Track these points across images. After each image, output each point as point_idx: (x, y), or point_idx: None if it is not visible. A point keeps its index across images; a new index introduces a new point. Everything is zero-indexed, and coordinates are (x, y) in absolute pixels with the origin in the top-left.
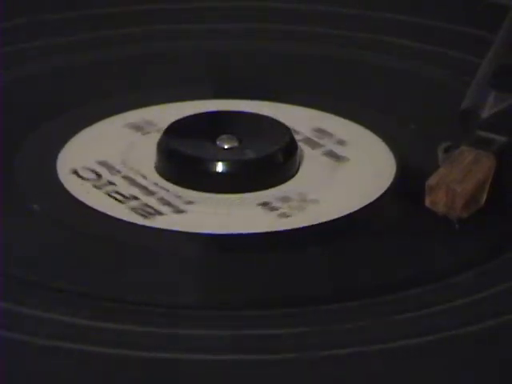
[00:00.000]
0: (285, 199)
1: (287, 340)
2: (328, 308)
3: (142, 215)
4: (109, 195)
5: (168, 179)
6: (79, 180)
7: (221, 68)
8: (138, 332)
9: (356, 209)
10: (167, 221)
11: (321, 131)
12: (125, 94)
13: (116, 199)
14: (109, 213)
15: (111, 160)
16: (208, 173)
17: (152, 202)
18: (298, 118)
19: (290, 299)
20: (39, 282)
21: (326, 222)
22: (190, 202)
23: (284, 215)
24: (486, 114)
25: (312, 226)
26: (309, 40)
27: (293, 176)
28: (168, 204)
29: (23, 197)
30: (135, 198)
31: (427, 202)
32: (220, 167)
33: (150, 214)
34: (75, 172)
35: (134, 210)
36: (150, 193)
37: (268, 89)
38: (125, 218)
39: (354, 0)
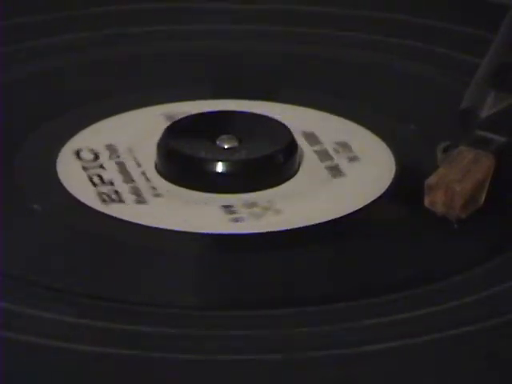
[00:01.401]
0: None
1: (287, 340)
2: (328, 308)
3: (103, 200)
4: (90, 178)
5: (167, 179)
6: (76, 161)
7: (221, 68)
8: (138, 332)
9: (356, 209)
10: (122, 210)
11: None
12: (125, 94)
13: (93, 182)
14: (76, 195)
15: (118, 144)
16: (208, 173)
17: (124, 189)
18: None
19: (290, 299)
20: (39, 282)
21: (325, 222)
22: (158, 195)
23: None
24: (485, 113)
25: (312, 225)
26: (309, 40)
27: (293, 176)
28: (136, 194)
29: (23, 197)
30: (111, 183)
31: (426, 202)
32: (220, 167)
33: (112, 200)
34: (77, 152)
35: (99, 194)
36: (130, 181)
37: (268, 89)
38: (85, 201)
39: (353, 0)
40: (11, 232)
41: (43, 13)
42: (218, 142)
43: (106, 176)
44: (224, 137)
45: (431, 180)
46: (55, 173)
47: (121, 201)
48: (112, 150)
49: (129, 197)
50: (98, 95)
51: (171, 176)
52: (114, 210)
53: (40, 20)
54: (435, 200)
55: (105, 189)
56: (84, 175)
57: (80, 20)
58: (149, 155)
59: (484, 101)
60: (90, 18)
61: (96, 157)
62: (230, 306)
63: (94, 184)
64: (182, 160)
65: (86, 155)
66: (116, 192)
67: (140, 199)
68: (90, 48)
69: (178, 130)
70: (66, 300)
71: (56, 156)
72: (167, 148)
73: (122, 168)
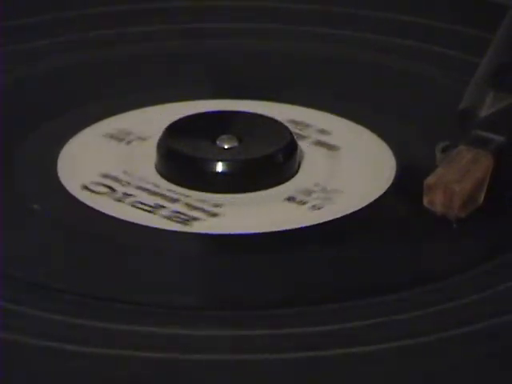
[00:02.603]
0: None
1: (287, 340)
2: (328, 308)
3: (180, 222)
4: (134, 206)
5: (168, 179)
6: (93, 195)
7: (221, 68)
8: (139, 332)
9: (356, 209)
10: (205, 225)
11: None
12: (125, 94)
13: (144, 210)
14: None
15: (114, 172)
16: (208, 173)
17: (178, 207)
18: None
19: (290, 299)
20: (39, 282)
21: (326, 222)
22: (217, 205)
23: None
24: (484, 113)
25: (312, 225)
26: (308, 40)
27: (293, 176)
28: (197, 209)
29: (23, 197)
30: (161, 206)
31: (425, 202)
32: (220, 167)
33: (187, 220)
34: (85, 187)
35: (167, 217)
36: (172, 200)
37: (268, 89)
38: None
39: (354, 0)
40: (11, 232)
41: (43, 13)
42: (217, 142)
43: (146, 201)
44: (224, 137)
45: (430, 180)
46: (55, 173)
47: (194, 218)
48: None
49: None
50: (98, 95)
51: (171, 176)
52: (196, 228)
53: (40, 20)
54: (434, 200)
55: (165, 212)
56: (125, 205)
57: (80, 20)
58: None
59: (483, 101)
60: (89, 18)
61: (111, 189)
62: (230, 306)
63: (147, 211)
64: (181, 160)
65: (99, 188)
66: (177, 212)
67: (207, 213)
68: (90, 48)
69: (177, 130)
70: (66, 300)
71: (56, 156)
72: (167, 148)
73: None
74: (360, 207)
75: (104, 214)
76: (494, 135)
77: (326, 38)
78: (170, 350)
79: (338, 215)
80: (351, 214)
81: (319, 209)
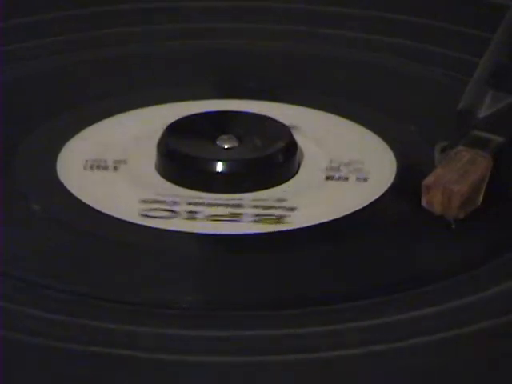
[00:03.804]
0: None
1: (287, 340)
2: (328, 308)
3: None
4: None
5: (168, 179)
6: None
7: (221, 68)
8: (139, 332)
9: (356, 209)
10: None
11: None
12: (125, 94)
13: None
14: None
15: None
16: (208, 173)
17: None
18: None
19: (290, 299)
20: (39, 282)
21: (326, 222)
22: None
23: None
24: (482, 114)
25: (312, 225)
26: (309, 40)
27: (293, 176)
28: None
29: (23, 197)
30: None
31: (424, 202)
32: (220, 167)
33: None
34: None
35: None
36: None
37: (268, 89)
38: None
39: (353, 0)
40: (11, 232)
41: (43, 13)
42: (217, 142)
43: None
44: (224, 137)
45: (429, 180)
46: (55, 173)
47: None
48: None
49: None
50: (98, 95)
51: (171, 176)
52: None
53: (40, 20)
54: (433, 200)
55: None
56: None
57: (79, 20)
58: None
59: (482, 101)
60: (89, 17)
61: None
62: (229, 306)
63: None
64: (182, 160)
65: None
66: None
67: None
68: (90, 48)
69: (178, 129)
70: (66, 300)
71: (56, 156)
72: (167, 148)
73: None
74: (360, 207)
75: (104, 214)
76: (493, 136)
77: (325, 38)
78: (170, 350)
79: (338, 215)
80: (351, 214)
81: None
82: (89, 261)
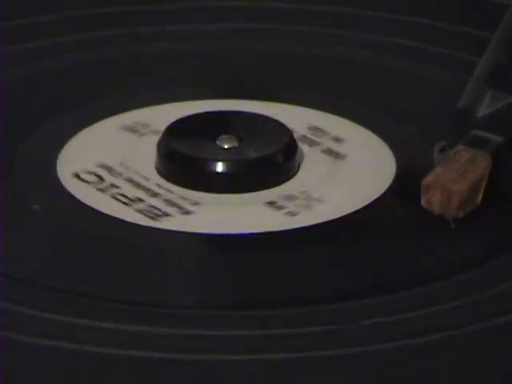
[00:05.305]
0: (289, 197)
1: (287, 340)
2: (328, 308)
3: (150, 217)
4: (114, 198)
5: (168, 179)
6: (81, 183)
7: (221, 68)
8: (139, 332)
9: (356, 209)
10: (175, 222)
11: (320, 131)
12: (125, 94)
13: (121, 202)
14: (116, 215)
15: (111, 162)
16: (208, 173)
17: (157, 203)
18: (297, 117)
19: (290, 299)
20: (39, 282)
21: (326, 222)
22: (196, 203)
23: (290, 214)
24: (482, 113)
25: (312, 225)
26: (309, 40)
27: (293, 176)
28: (175, 205)
29: (23, 197)
30: (140, 200)
31: (423, 202)
32: (220, 167)
33: (158, 215)
34: (77, 175)
35: (140, 211)
36: (154, 194)
37: (268, 89)
38: (133, 221)
39: (354, 0)
40: (11, 232)
41: (43, 13)
42: (217, 142)
43: (129, 194)
44: (224, 137)
45: (428, 180)
46: (55, 173)
47: (167, 214)
48: (109, 168)
49: (170, 210)
50: (98, 95)
51: (171, 176)
52: (166, 224)
53: (40, 20)
54: (432, 200)
55: (141, 206)
56: (105, 196)
57: (80, 20)
58: (145, 164)
59: (481, 100)
60: (90, 18)
61: (100, 178)
62: (230, 306)
63: (125, 203)
64: (182, 160)
65: (89, 178)
66: (153, 207)
67: (181, 211)
68: (90, 48)
69: (177, 130)
70: (66, 300)
71: (56, 156)
72: (167, 148)
73: (135, 183)
74: (360, 207)
75: (104, 214)
76: (492, 135)
77: (326, 38)
78: (170, 350)
79: (338, 215)
80: (351, 214)
81: (295, 215)
82: (89, 261)
